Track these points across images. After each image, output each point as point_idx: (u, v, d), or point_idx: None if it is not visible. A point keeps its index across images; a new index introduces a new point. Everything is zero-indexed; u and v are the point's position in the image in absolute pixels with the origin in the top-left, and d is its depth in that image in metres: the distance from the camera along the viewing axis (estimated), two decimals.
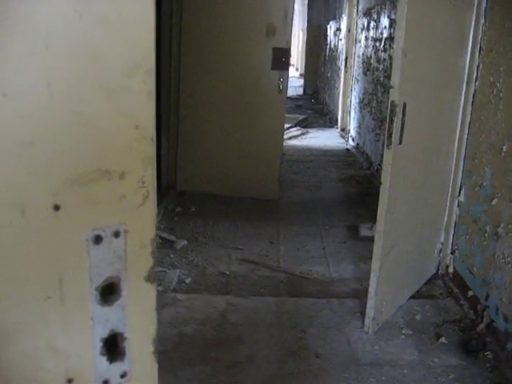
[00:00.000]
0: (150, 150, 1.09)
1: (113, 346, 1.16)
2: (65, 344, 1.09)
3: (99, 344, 1.14)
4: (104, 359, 1.16)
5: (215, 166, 5.56)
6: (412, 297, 3.60)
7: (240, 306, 3.44)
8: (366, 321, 3.18)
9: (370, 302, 3.12)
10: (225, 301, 3.48)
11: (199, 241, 4.44)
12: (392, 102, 2.76)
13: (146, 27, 1.02)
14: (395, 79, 2.75)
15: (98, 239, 1.07)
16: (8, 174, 0.94)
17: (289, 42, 5.25)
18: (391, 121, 2.77)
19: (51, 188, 0.98)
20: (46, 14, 0.91)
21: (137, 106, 1.05)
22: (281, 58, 5.23)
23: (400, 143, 2.84)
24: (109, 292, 1.12)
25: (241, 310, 3.39)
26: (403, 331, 3.22)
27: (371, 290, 3.09)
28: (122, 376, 1.20)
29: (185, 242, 4.31)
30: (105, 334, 1.14)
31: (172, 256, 4.06)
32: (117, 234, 1.09)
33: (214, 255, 4.18)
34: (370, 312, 3.14)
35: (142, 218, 1.12)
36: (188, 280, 3.72)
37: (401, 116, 2.80)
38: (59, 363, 1.10)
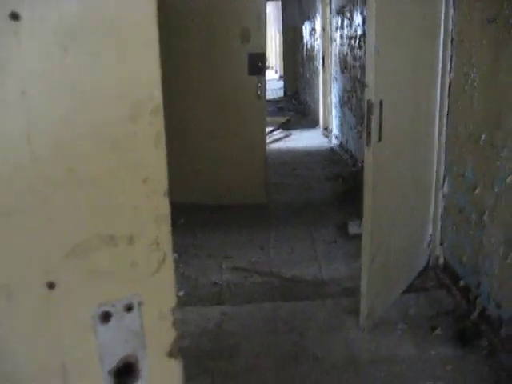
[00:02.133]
0: (164, 205, 0.93)
1: None
2: None
3: None
4: None
5: (201, 175, 5.55)
6: (405, 291, 3.62)
7: (235, 314, 3.44)
8: (361, 319, 3.19)
9: (363, 301, 3.13)
10: (219, 311, 3.48)
11: (190, 252, 4.44)
12: (368, 100, 2.77)
13: (148, 55, 0.85)
14: (370, 77, 2.77)
15: (106, 316, 0.93)
16: None
17: (264, 47, 5.26)
18: (369, 119, 2.78)
19: (43, 263, 0.84)
20: (19, 51, 0.75)
21: (143, 156, 0.89)
22: (257, 63, 5.25)
23: (379, 140, 2.86)
24: (126, 373, 0.97)
25: (236, 319, 3.39)
26: (399, 326, 3.24)
27: (363, 289, 3.10)
28: None
29: (175, 255, 4.30)
30: None
31: None
32: (129, 308, 0.95)
33: (205, 266, 4.18)
34: (363, 310, 3.15)
35: (158, 286, 0.96)
36: (181, 293, 3.71)
37: (378, 113, 2.81)
38: None
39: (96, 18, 0.80)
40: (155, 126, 0.88)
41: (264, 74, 5.32)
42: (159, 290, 0.97)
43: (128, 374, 0.98)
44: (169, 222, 0.94)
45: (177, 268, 4.09)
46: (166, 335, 1.00)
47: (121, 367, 0.96)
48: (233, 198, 5.56)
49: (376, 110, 2.79)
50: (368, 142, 2.82)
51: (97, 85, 0.82)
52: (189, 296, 3.70)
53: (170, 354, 1.01)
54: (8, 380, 0.87)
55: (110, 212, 0.88)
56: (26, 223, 0.81)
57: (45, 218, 0.82)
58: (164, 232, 0.94)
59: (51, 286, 0.85)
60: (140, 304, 0.95)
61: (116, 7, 0.81)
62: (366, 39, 2.79)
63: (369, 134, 2.80)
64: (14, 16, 0.74)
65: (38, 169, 0.80)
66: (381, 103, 2.82)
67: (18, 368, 0.88)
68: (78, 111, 0.81)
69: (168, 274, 0.97)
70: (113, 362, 0.95)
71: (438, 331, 3.14)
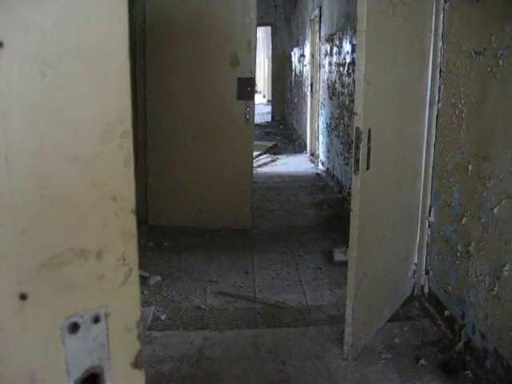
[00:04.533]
0: (131, 223, 0.99)
1: None
2: None
3: None
4: None
5: (186, 198, 5.53)
6: (390, 319, 3.59)
7: (217, 340, 3.39)
8: (345, 347, 3.16)
9: (348, 329, 3.10)
10: (201, 336, 3.43)
11: (173, 275, 4.39)
12: (357, 128, 2.78)
13: (120, 83, 0.92)
14: (359, 106, 2.78)
15: (74, 327, 0.95)
16: None
17: (253, 72, 5.28)
18: (357, 147, 2.79)
19: (16, 275, 0.86)
20: (1, 75, 0.79)
21: (113, 176, 0.94)
22: (246, 88, 5.27)
23: (367, 169, 2.86)
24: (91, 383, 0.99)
25: (218, 345, 3.34)
26: (383, 355, 3.21)
27: (348, 317, 3.08)
28: None
29: (159, 278, 4.25)
30: None
31: (146, 293, 4.00)
32: (96, 319, 0.97)
33: (188, 289, 4.13)
34: (348, 338, 3.12)
35: (124, 299, 1.00)
36: (163, 316, 3.66)
37: (366, 142, 2.82)
38: None
39: (74, 47, 0.85)
40: (125, 148, 0.95)
41: (253, 99, 5.34)
42: (125, 303, 1.01)
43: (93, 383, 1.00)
44: (135, 238, 1.00)
45: (160, 291, 4.05)
46: (130, 347, 1.03)
47: (86, 378, 0.98)
48: (217, 222, 5.53)
49: (364, 139, 2.80)
50: (356, 170, 2.83)
51: (72, 108, 0.87)
52: (171, 320, 3.64)
53: (135, 365, 1.05)
54: None
55: (82, 227, 0.92)
56: (1, 236, 0.84)
57: (19, 232, 0.85)
58: (131, 248, 1.00)
59: (23, 297, 0.87)
60: (107, 315, 0.98)
61: (92, 38, 0.87)
62: (356, 69, 2.80)
63: (357, 161, 2.81)
64: None
65: (13, 185, 0.83)
66: (369, 131, 2.83)
67: None
68: (52, 133, 0.85)
69: (133, 288, 1.01)
70: (78, 372, 0.97)
71: (422, 361, 3.11)
